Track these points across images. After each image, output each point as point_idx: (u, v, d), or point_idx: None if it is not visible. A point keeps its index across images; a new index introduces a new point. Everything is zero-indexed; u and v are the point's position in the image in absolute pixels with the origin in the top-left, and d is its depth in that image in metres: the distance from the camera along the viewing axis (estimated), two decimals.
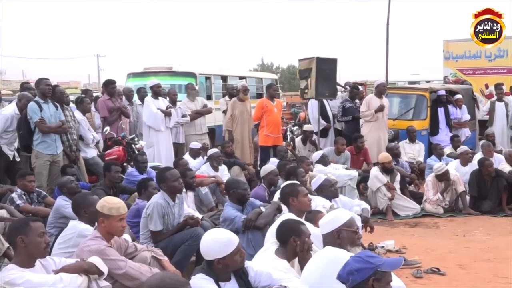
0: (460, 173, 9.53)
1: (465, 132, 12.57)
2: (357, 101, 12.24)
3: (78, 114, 9.17)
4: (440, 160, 10.30)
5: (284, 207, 5.64)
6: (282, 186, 5.95)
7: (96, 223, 4.62)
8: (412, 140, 11.60)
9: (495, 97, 13.59)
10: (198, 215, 6.38)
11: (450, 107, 12.55)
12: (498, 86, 13.49)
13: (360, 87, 13.84)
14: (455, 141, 11.47)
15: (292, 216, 4.94)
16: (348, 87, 13.39)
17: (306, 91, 11.44)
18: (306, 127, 12.27)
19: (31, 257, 3.91)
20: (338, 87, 13.34)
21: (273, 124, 11.15)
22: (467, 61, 16.07)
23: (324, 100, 11.97)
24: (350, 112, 11.94)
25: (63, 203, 6.15)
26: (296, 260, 4.23)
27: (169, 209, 5.75)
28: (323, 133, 12.08)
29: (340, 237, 4.04)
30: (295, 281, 3.88)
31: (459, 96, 12.78)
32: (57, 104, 8.32)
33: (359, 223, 5.47)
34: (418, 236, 7.93)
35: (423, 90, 12.87)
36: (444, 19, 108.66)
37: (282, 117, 13.29)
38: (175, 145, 10.70)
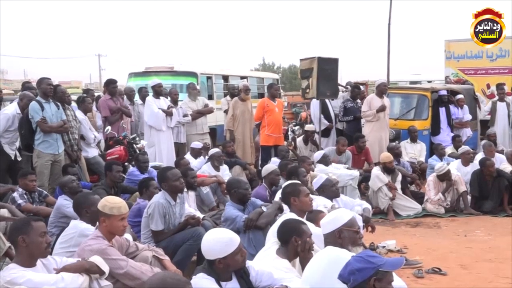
0: (461, 173, 9.53)
1: (467, 132, 12.56)
2: (358, 101, 12.25)
3: (79, 114, 9.17)
4: (442, 160, 10.29)
5: (285, 207, 5.64)
6: (283, 185, 5.96)
7: (97, 223, 4.62)
8: (414, 140, 11.60)
9: (496, 97, 13.57)
10: (199, 214, 6.38)
11: (452, 107, 12.55)
12: (499, 86, 13.48)
13: (361, 87, 13.83)
14: (456, 141, 11.47)
15: (293, 216, 4.94)
16: (349, 87, 13.39)
17: (307, 90, 11.45)
18: (307, 127, 12.28)
19: (32, 256, 3.92)
20: (339, 87, 13.32)
21: (274, 124, 11.15)
22: (468, 61, 16.05)
23: (326, 100, 11.98)
24: (351, 112, 11.94)
25: (64, 203, 6.16)
26: (297, 260, 4.23)
27: (170, 208, 5.75)
28: (325, 132, 12.09)
29: (341, 237, 4.04)
30: (296, 281, 3.87)
31: (460, 96, 12.78)
32: (59, 103, 8.33)
33: (360, 223, 5.46)
34: (419, 236, 7.93)
35: (425, 90, 12.87)
36: (446, 19, 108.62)
37: (283, 117, 13.27)
38: (176, 145, 10.70)
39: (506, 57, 15.37)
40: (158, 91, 10.63)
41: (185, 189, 6.48)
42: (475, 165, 9.67)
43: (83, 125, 9.12)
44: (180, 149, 10.80)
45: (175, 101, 10.99)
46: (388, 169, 9.30)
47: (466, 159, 10.00)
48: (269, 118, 11.09)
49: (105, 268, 4.11)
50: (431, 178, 9.47)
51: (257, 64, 65.25)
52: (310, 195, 5.53)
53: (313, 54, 11.39)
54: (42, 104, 7.98)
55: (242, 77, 16.16)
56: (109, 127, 9.90)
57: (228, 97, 13.20)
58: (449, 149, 11.32)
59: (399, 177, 9.45)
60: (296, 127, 18.11)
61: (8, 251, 5.27)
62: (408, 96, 12.99)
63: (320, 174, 7.67)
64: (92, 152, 9.28)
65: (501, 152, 10.69)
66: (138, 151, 9.32)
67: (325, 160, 9.69)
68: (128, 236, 4.94)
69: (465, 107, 12.74)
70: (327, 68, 11.23)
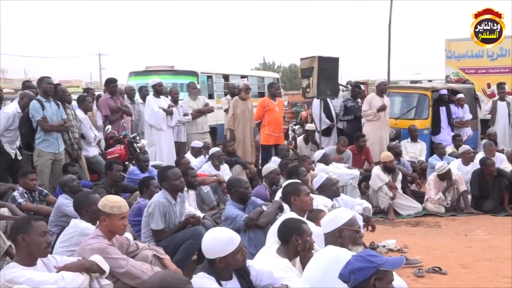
0: (462, 173, 9.53)
1: (467, 132, 12.56)
2: (359, 100, 12.25)
3: (79, 113, 9.17)
4: (442, 160, 10.29)
5: (285, 206, 5.64)
6: (283, 185, 5.96)
7: (97, 222, 4.62)
8: (414, 139, 11.61)
9: (497, 97, 13.56)
10: (199, 214, 6.39)
11: (452, 107, 12.54)
12: (500, 86, 13.46)
13: (362, 86, 13.83)
14: (457, 141, 11.47)
15: (293, 215, 4.94)
16: (349, 86, 13.39)
17: (308, 90, 11.45)
18: (308, 126, 12.28)
19: (32, 256, 3.92)
20: (339, 86, 13.31)
21: (274, 123, 11.14)
22: (469, 60, 16.04)
23: (328, 99, 11.99)
24: (352, 111, 11.95)
25: (65, 202, 6.15)
26: (298, 259, 4.23)
27: (171, 207, 5.76)
28: (326, 132, 12.09)
29: (341, 236, 4.05)
30: (296, 280, 3.88)
31: (461, 95, 12.77)
32: (59, 102, 8.33)
33: (360, 222, 5.45)
34: (419, 235, 7.93)
35: (425, 89, 12.87)
36: (446, 19, 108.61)
37: (283, 116, 13.27)
38: (176, 144, 10.71)
39: (507, 57, 15.35)
40: (158, 90, 10.63)
41: (186, 188, 6.49)
42: (475, 165, 9.67)
43: (84, 124, 9.12)
44: (180, 148, 10.80)
45: (175, 100, 10.99)
46: (388, 169, 9.30)
47: (467, 159, 10.00)
48: (270, 117, 11.09)
49: (106, 267, 4.11)
50: (431, 177, 9.47)
51: (258, 63, 65.32)
52: (311, 194, 5.53)
53: (314, 53, 11.39)
54: (42, 103, 7.98)
55: (243, 76, 16.15)
56: (109, 126, 9.91)
57: (228, 96, 13.19)
58: (450, 149, 11.32)
59: (400, 177, 9.45)
60: (297, 127, 18.11)
61: (9, 250, 5.28)
62: (408, 95, 12.99)
63: (321, 173, 7.68)
64: (93, 151, 9.29)
65: (502, 151, 10.69)
66: (138, 150, 9.32)
67: (325, 159, 9.70)
68: (128, 235, 4.94)
69: (466, 106, 12.73)
70: (327, 67, 11.23)
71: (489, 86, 15.63)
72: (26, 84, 10.04)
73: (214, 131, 13.16)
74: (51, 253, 4.37)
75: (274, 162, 8.73)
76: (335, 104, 12.43)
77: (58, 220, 6.12)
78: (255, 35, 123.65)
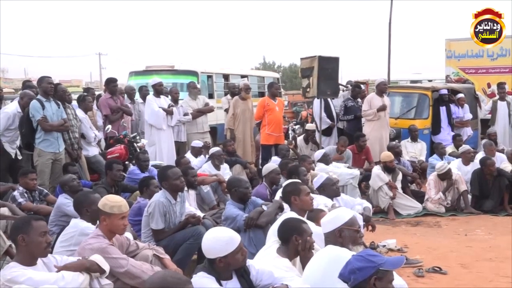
0: (462, 172, 9.53)
1: (467, 131, 12.56)
2: (359, 100, 12.25)
3: (80, 112, 9.17)
4: (442, 159, 10.30)
5: (285, 206, 5.64)
6: (284, 184, 5.96)
7: (97, 222, 4.62)
8: (414, 139, 11.61)
9: (497, 96, 13.56)
10: (199, 213, 6.39)
11: (452, 106, 12.54)
12: (500, 85, 13.47)
13: (362, 86, 13.83)
14: (457, 140, 11.47)
15: (293, 214, 4.94)
16: (349, 86, 13.39)
17: (308, 89, 11.44)
18: (308, 126, 12.28)
19: (32, 256, 3.92)
20: (340, 86, 13.31)
21: (274, 123, 11.13)
22: (469, 60, 16.04)
23: (328, 99, 11.99)
24: (352, 111, 11.95)
25: (65, 201, 6.16)
26: (298, 259, 4.23)
27: (171, 207, 5.76)
28: (327, 131, 12.09)
29: (342, 236, 4.04)
30: (296, 280, 3.87)
31: (461, 95, 12.77)
32: (59, 102, 8.33)
33: (360, 222, 5.46)
34: (419, 235, 7.93)
35: (425, 89, 12.88)
36: (446, 18, 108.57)
37: (284, 116, 13.27)
38: (176, 144, 10.71)
39: (507, 56, 15.36)
40: (158, 90, 10.63)
41: (186, 188, 6.49)
42: (475, 164, 9.67)
43: (84, 124, 9.12)
44: (180, 148, 10.80)
45: (175, 100, 10.99)
46: (388, 168, 9.30)
47: (467, 158, 10.00)
48: (270, 117, 11.08)
49: (106, 267, 4.11)
50: (431, 177, 9.47)
51: (258, 63, 65.30)
52: (311, 194, 5.53)
53: (314, 53, 11.38)
54: (42, 102, 7.98)
55: (243, 76, 16.14)
56: (109, 126, 9.91)
57: (228, 96, 13.19)
58: (450, 148, 11.32)
59: (400, 176, 9.45)
60: (297, 126, 18.12)
61: (9, 250, 5.28)
62: (408, 95, 13.00)
63: (321, 173, 7.67)
64: (93, 150, 9.29)
65: (502, 151, 10.70)
66: (138, 150, 9.32)
67: (325, 159, 9.70)
68: (128, 235, 4.94)
69: (466, 106, 12.73)
70: (327, 67, 11.22)
71: (489, 86, 15.63)
72: (26, 84, 10.04)
73: (214, 130, 13.16)
74: (51, 252, 4.37)
75: (274, 162, 8.72)
76: (335, 104, 12.43)
77: (58, 220, 6.12)
78: (255, 34, 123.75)
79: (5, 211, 6.31)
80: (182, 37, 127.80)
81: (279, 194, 6.18)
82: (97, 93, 12.60)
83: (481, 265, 6.34)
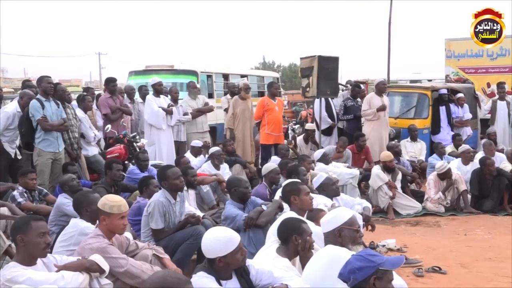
0: (461, 172, 9.52)
1: (467, 131, 12.56)
2: (358, 99, 12.25)
3: (79, 112, 9.17)
4: (442, 159, 10.30)
5: (285, 206, 5.64)
6: (283, 184, 5.96)
7: (97, 221, 4.62)
8: (414, 139, 11.60)
9: (497, 96, 13.56)
10: (199, 213, 6.39)
11: (452, 106, 12.54)
12: (500, 85, 13.47)
13: (361, 85, 13.83)
14: (456, 140, 11.47)
15: (293, 214, 4.94)
16: (349, 86, 13.39)
17: (307, 89, 11.43)
18: (308, 125, 12.28)
19: (31, 256, 3.91)
20: (339, 86, 13.32)
21: (274, 123, 11.13)
22: (469, 60, 16.04)
23: (329, 98, 11.99)
24: (351, 111, 11.95)
25: (64, 201, 6.15)
26: (297, 258, 4.23)
27: (170, 207, 5.76)
28: (328, 131, 12.09)
29: (341, 236, 4.05)
30: (296, 279, 3.87)
31: (460, 95, 12.77)
32: (59, 102, 8.33)
33: (360, 221, 5.46)
34: (419, 235, 7.93)
35: (425, 88, 12.88)
36: (446, 18, 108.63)
37: (283, 116, 13.27)
38: (176, 143, 10.71)
39: (507, 56, 15.36)
40: (158, 90, 10.62)
41: (185, 188, 6.49)
42: (475, 164, 9.67)
43: (83, 124, 9.12)
44: (180, 147, 10.80)
45: (175, 100, 10.99)
46: (388, 168, 9.29)
47: (466, 158, 10.00)
48: (269, 117, 11.08)
49: (105, 266, 4.11)
50: (431, 177, 9.47)
51: (258, 62, 65.30)
52: (310, 194, 5.53)
53: (314, 52, 11.39)
54: (42, 102, 7.98)
55: (242, 76, 16.14)
56: (109, 126, 9.90)
57: (228, 96, 13.19)
58: (449, 148, 11.32)
59: (399, 176, 9.45)
60: (296, 126, 18.11)
61: (8, 250, 5.28)
62: (408, 95, 13.00)
63: (320, 172, 7.68)
64: (92, 150, 9.29)
65: (501, 151, 10.69)
66: (138, 150, 9.32)
67: (325, 159, 9.70)
68: (128, 234, 4.94)
69: (465, 106, 12.74)
70: (327, 67, 11.22)
71: (488, 85, 15.63)
72: (26, 84, 10.03)
73: (213, 130, 13.15)
74: (50, 252, 4.37)
75: (274, 162, 8.72)
76: (335, 104, 12.43)
77: (58, 220, 6.11)
78: (255, 34, 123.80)
79: (4, 211, 6.30)
80: (181, 37, 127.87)
81: (278, 193, 6.18)
82: (96, 92, 12.60)
83: (480, 265, 6.34)
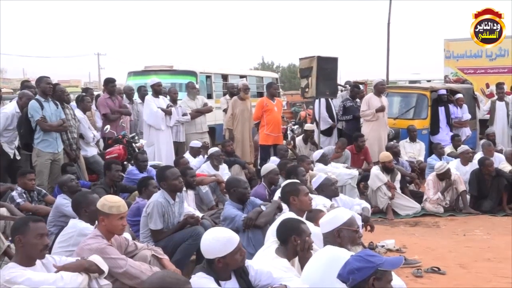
0: (460, 173, 9.53)
1: (466, 132, 12.56)
2: (357, 100, 12.24)
3: (78, 113, 9.17)
4: (441, 160, 10.29)
5: (284, 206, 5.64)
6: (282, 185, 5.95)
7: (96, 222, 4.62)
8: (413, 139, 11.60)
9: (495, 97, 13.57)
10: (198, 214, 6.38)
11: (451, 107, 12.54)
12: (499, 86, 13.47)
13: (361, 86, 13.83)
14: (455, 141, 11.46)
15: (292, 215, 4.94)
16: (348, 86, 13.39)
17: (306, 90, 11.44)
18: (307, 126, 12.28)
19: (29, 257, 3.90)
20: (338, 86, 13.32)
21: (273, 123, 11.13)
22: (468, 60, 16.06)
23: (329, 99, 12.00)
24: (350, 111, 11.95)
25: (63, 202, 6.15)
26: (297, 259, 4.23)
27: (169, 207, 5.75)
28: (328, 131, 12.09)
29: (340, 236, 4.05)
30: (295, 280, 3.87)
31: (459, 95, 12.77)
32: (58, 102, 8.32)
33: (359, 222, 5.47)
34: (418, 235, 7.93)
35: (424, 89, 12.87)
36: (445, 19, 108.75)
37: (282, 116, 13.27)
38: (175, 144, 10.70)
39: (506, 57, 15.38)
40: (157, 90, 10.62)
41: (184, 188, 6.49)
42: (474, 165, 9.67)
43: (82, 124, 9.11)
44: (179, 148, 10.79)
45: (174, 100, 10.98)
46: (387, 169, 9.30)
47: (465, 159, 10.00)
48: (268, 118, 11.08)
49: (104, 267, 4.11)
50: (430, 177, 9.47)
51: (257, 63, 65.32)
52: (309, 194, 5.53)
53: (313, 53, 11.40)
54: (41, 103, 7.97)
55: (242, 76, 16.15)
56: (108, 126, 9.89)
57: (227, 96, 13.19)
58: (448, 149, 11.32)
59: (398, 177, 9.45)
60: (295, 126, 18.11)
61: (7, 250, 5.27)
62: (407, 95, 12.99)
63: (319, 173, 7.67)
64: (91, 151, 9.28)
65: (500, 151, 10.69)
66: (137, 150, 9.31)
67: (324, 159, 9.70)
68: (127, 235, 4.94)
69: (464, 106, 12.74)
70: (326, 67, 11.22)
71: (488, 86, 15.65)
72: (25, 84, 10.03)
73: (213, 131, 13.16)
74: (49, 253, 4.36)
75: (273, 162, 8.72)
76: (334, 104, 12.43)
77: (57, 220, 6.11)
78: (254, 35, 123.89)
79: (3, 211, 6.30)
80: (181, 37, 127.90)
81: (277, 194, 6.18)
82: (95, 93, 12.58)
83: (479, 266, 6.35)
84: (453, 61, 16.30)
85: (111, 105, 10.36)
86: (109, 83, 10.70)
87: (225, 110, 12.38)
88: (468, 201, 9.30)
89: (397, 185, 9.36)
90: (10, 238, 5.19)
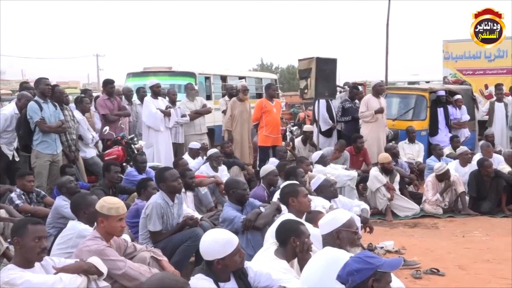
0: (459, 174, 9.53)
1: (465, 133, 12.56)
2: (356, 101, 12.23)
3: (77, 114, 9.16)
4: (440, 161, 10.30)
5: (283, 208, 5.64)
6: (281, 186, 5.95)
7: (95, 223, 4.61)
8: (412, 141, 11.60)
9: (494, 98, 13.58)
10: (197, 215, 6.38)
11: (450, 108, 12.55)
12: (497, 87, 13.48)
13: (359, 87, 13.84)
14: (454, 142, 11.47)
15: (291, 216, 4.93)
16: (346, 87, 13.39)
17: (305, 91, 11.45)
18: (306, 127, 12.28)
19: (27, 259, 3.90)
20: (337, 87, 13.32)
21: (272, 125, 11.13)
22: (466, 61, 16.07)
23: (329, 100, 12.01)
24: (349, 112, 11.94)
25: (62, 203, 6.14)
26: (296, 260, 4.22)
27: (168, 209, 5.75)
28: (328, 132, 12.09)
29: (339, 238, 4.05)
30: (294, 281, 3.87)
31: (458, 96, 12.78)
32: (56, 104, 8.32)
33: (358, 223, 5.46)
34: (417, 236, 7.93)
35: (423, 90, 12.87)
36: (444, 20, 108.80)
37: (281, 117, 13.27)
38: (174, 145, 10.70)
39: (504, 58, 15.39)
40: (156, 91, 10.61)
41: (183, 190, 6.48)
42: (473, 166, 9.67)
43: (81, 125, 9.11)
44: (178, 149, 10.79)
45: (173, 102, 10.97)
46: (386, 170, 9.30)
47: (464, 160, 10.00)
48: (267, 119, 11.08)
49: (103, 269, 4.10)
50: (429, 178, 9.47)
51: (255, 64, 65.43)
52: (309, 196, 5.53)
53: (312, 54, 11.39)
54: (40, 104, 7.96)
55: (240, 78, 16.16)
56: (107, 128, 9.89)
57: (226, 98, 13.19)
58: (447, 150, 11.32)
59: (397, 178, 9.45)
60: (294, 128, 18.11)
61: (6, 252, 5.27)
62: (406, 96, 12.99)
63: (318, 174, 7.67)
64: (90, 152, 9.28)
65: (499, 152, 10.69)
66: (136, 152, 9.31)
67: (323, 161, 9.69)
68: (126, 236, 4.93)
69: (463, 107, 12.75)
70: (325, 69, 11.23)
71: (486, 87, 15.66)
72: (24, 85, 10.02)
73: (212, 132, 13.17)
74: (48, 254, 4.36)
75: (272, 164, 8.72)
76: (333, 105, 12.43)
77: (56, 222, 6.10)
78: (253, 36, 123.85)
79: (2, 213, 6.30)
80: (180, 39, 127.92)
81: (277, 195, 6.17)
82: (94, 94, 12.58)
83: (478, 267, 6.35)
84: (452, 62, 16.32)
85: (110, 106, 10.36)
86: (108, 84, 10.69)
87: (224, 112, 12.38)
88: (467, 202, 9.30)
89: (396, 186, 9.36)
90: (9, 240, 5.19)
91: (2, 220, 6.19)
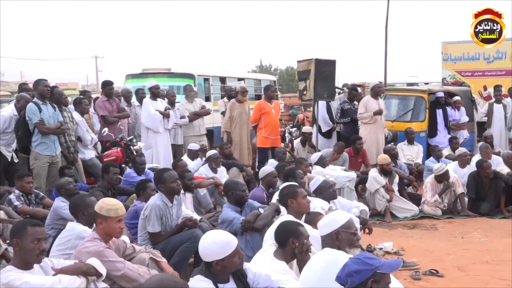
0: (458, 175, 9.53)
1: (464, 134, 12.58)
2: (355, 102, 12.24)
3: (76, 115, 9.16)
4: (439, 162, 10.29)
5: (282, 209, 5.64)
6: (280, 187, 5.95)
7: (94, 225, 4.61)
8: (411, 142, 11.60)
9: (493, 99, 13.59)
10: (196, 216, 6.38)
11: (449, 109, 12.57)
12: (496, 88, 13.49)
13: (358, 88, 13.84)
14: (453, 143, 11.47)
15: (290, 217, 4.93)
16: (345, 89, 13.39)
17: (304, 92, 11.45)
18: (305, 128, 12.29)
19: (26, 260, 3.89)
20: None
21: (271, 126, 11.14)
22: (465, 63, 16.09)
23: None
24: (348, 114, 11.94)
25: (61, 205, 6.13)
26: (295, 261, 4.22)
27: (167, 210, 5.75)
28: (328, 134, 12.10)
29: (338, 239, 4.05)
30: (293, 282, 3.87)
31: (457, 98, 12.79)
32: (55, 105, 8.31)
33: (357, 224, 5.46)
34: (416, 238, 7.94)
35: (422, 91, 12.88)
36: (443, 21, 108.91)
37: (280, 119, 13.27)
38: (173, 147, 10.70)
39: (503, 59, 15.41)
40: (155, 93, 10.60)
41: (182, 191, 6.48)
42: (472, 167, 9.68)
43: (80, 127, 9.10)
44: (177, 150, 10.79)
45: (172, 103, 10.97)
46: (385, 171, 9.30)
47: (463, 161, 10.01)
48: (266, 120, 11.08)
49: (102, 270, 4.10)
50: (428, 179, 9.47)
51: (254, 65, 65.33)
52: (307, 197, 5.53)
53: (311, 55, 11.41)
54: (39, 105, 7.96)
55: (239, 79, 16.15)
56: (106, 129, 9.88)
57: (225, 99, 13.20)
58: (446, 151, 11.33)
59: (396, 179, 9.46)
60: (293, 129, 18.11)
61: (5, 253, 5.27)
62: (405, 98, 13.00)
63: (317, 176, 7.67)
64: (89, 154, 9.27)
65: (498, 154, 10.70)
66: (135, 153, 9.30)
67: (322, 162, 9.70)
68: (125, 238, 4.93)
69: (462, 109, 12.76)
70: (324, 70, 11.23)
71: (485, 88, 15.68)
72: (23, 87, 10.02)
73: (211, 133, 13.16)
74: (47, 256, 4.35)
75: (271, 165, 8.71)
76: (333, 106, 12.44)
77: (55, 223, 6.10)
78: (252, 37, 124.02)
79: (1, 214, 6.30)
80: (178, 40, 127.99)
81: (276, 197, 6.17)
82: (93, 96, 12.58)
83: (477, 268, 6.35)
84: (451, 63, 16.34)
85: (109, 107, 10.34)
86: (106, 85, 10.68)
87: (223, 113, 12.38)
88: (466, 203, 9.30)
89: (395, 187, 9.36)
90: (8, 241, 5.18)
91: (1, 222, 6.19)
